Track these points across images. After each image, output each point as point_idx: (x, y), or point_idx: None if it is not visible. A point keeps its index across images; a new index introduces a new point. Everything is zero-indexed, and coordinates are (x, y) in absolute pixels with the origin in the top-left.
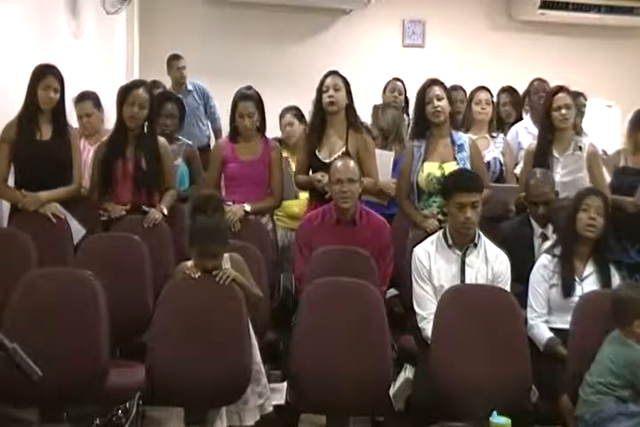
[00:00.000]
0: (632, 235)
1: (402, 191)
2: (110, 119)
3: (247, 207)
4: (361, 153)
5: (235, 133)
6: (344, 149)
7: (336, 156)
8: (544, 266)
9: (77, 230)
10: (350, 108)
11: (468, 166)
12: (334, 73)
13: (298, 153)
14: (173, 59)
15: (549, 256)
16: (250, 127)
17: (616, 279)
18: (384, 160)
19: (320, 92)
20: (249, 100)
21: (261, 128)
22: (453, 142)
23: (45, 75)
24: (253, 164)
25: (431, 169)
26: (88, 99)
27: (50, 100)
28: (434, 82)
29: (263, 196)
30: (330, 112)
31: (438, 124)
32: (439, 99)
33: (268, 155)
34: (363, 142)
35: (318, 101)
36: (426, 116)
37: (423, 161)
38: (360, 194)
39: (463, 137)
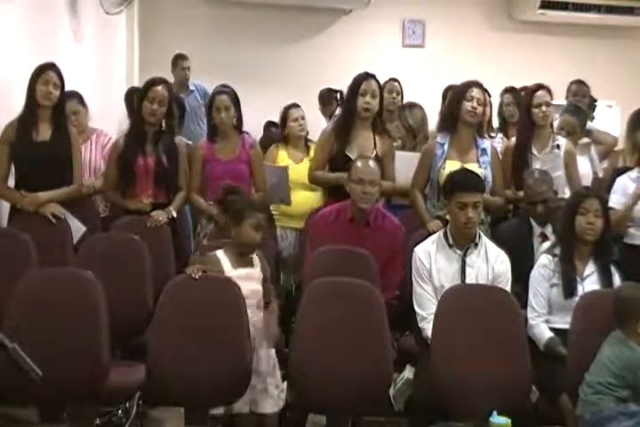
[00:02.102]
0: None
1: (417, 184)
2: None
3: None
4: (386, 157)
5: (213, 132)
6: (374, 154)
7: None
8: (544, 266)
9: (78, 228)
10: (378, 112)
11: (489, 171)
12: (371, 77)
13: (318, 150)
14: (179, 58)
15: (550, 256)
16: (226, 121)
17: (616, 279)
18: (412, 162)
19: (355, 93)
20: (224, 94)
21: (238, 126)
22: (477, 145)
23: (44, 70)
24: (233, 162)
25: (453, 168)
26: (73, 97)
27: (49, 94)
28: (478, 84)
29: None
30: (362, 117)
31: (469, 123)
32: (480, 103)
33: (246, 152)
34: (389, 147)
35: (351, 102)
36: (459, 112)
37: (445, 159)
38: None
39: (486, 142)
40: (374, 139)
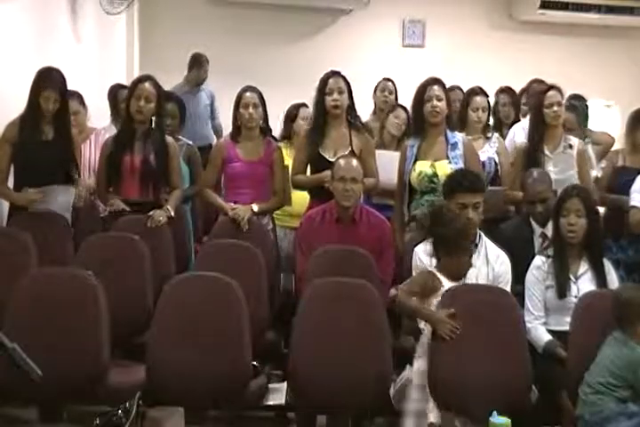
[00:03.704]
0: (613, 231)
1: (399, 192)
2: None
3: (255, 208)
4: (364, 153)
5: (237, 132)
6: (350, 149)
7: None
8: (538, 267)
9: (65, 202)
10: (351, 108)
11: (461, 165)
12: (336, 74)
13: (297, 153)
14: (205, 61)
15: (543, 257)
16: (255, 117)
17: (613, 277)
18: (391, 161)
19: (322, 93)
20: (254, 92)
21: (264, 128)
22: (447, 141)
23: (46, 85)
24: (256, 164)
25: (423, 167)
26: (73, 97)
27: (50, 108)
28: (435, 81)
29: (266, 196)
30: (333, 115)
31: (435, 123)
32: (439, 99)
33: (270, 155)
34: (366, 143)
35: (320, 102)
36: (423, 114)
37: (416, 160)
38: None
39: (457, 136)
40: (350, 135)
